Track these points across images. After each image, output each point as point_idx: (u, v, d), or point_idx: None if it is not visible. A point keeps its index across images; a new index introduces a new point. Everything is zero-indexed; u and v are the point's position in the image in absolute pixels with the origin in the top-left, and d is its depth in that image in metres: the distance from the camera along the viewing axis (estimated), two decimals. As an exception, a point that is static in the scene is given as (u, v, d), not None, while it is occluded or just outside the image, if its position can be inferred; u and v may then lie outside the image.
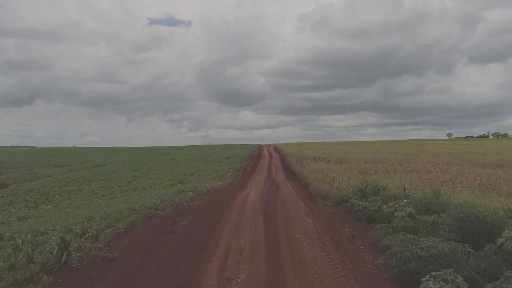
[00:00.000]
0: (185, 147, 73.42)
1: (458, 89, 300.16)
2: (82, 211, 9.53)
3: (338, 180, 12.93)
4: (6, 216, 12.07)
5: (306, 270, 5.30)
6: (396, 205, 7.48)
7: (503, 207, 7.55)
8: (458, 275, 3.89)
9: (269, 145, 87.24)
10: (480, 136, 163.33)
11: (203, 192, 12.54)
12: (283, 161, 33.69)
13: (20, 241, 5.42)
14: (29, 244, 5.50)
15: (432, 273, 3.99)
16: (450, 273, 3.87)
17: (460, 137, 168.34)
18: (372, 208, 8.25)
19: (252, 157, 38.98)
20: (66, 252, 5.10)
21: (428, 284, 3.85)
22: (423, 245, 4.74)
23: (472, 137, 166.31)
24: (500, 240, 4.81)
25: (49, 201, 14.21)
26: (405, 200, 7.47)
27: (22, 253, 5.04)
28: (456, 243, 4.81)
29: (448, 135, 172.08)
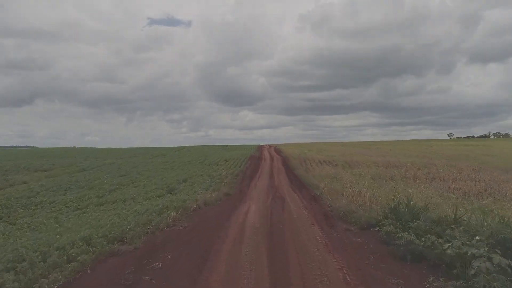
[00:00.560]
0: (183, 148, 71.03)
1: (458, 89, 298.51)
2: (23, 242, 7.14)
3: (360, 194, 10.51)
4: None
5: None
6: (461, 243, 5.12)
7: None
8: None
9: (270, 146, 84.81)
10: (481, 136, 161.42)
11: (192, 209, 10.17)
12: (285, 163, 31.32)
13: None
14: None
15: None
16: None
17: (461, 137, 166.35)
18: (422, 244, 5.87)
19: (252, 159, 36.59)
20: None
21: None
22: None
23: (473, 137, 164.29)
24: None
25: (8, 218, 11.81)
26: (477, 238, 5.09)
27: None
28: None
29: (448, 135, 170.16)
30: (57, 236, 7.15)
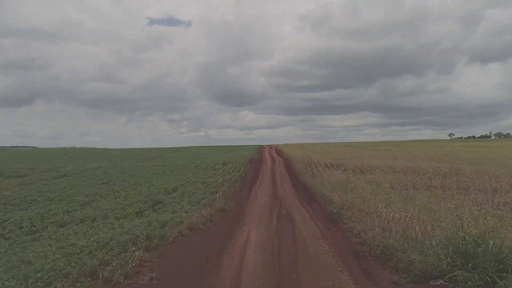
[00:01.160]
0: (180, 149, 68.41)
1: (458, 89, 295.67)
2: None
3: (396, 217, 7.85)
4: None
5: None
6: None
7: None
8: None
9: (270, 147, 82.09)
10: (482, 136, 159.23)
11: (171, 238, 7.57)
12: (288, 167, 28.72)
13: None
14: None
15: None
16: None
17: (462, 137, 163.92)
18: None
19: (252, 162, 33.98)
20: None
21: None
22: None
23: (474, 137, 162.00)
24: None
25: None
26: None
27: None
28: None
29: (449, 135, 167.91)
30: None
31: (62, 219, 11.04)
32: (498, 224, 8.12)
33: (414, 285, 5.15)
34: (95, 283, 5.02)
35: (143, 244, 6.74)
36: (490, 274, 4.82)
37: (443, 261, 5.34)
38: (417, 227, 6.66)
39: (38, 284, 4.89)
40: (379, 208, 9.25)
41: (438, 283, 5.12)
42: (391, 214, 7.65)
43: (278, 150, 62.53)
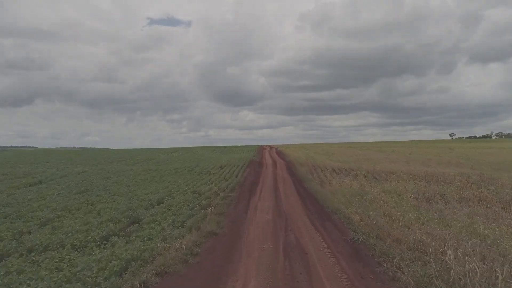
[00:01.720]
0: (177, 149, 65.88)
1: (458, 89, 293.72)
2: None
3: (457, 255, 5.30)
4: None
5: None
6: None
7: None
8: None
9: (271, 147, 79.45)
10: (483, 137, 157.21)
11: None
12: (291, 172, 26.20)
13: None
14: None
15: None
16: None
17: (463, 137, 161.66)
18: None
19: (252, 165, 31.45)
20: None
21: None
22: None
23: (475, 137, 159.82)
24: None
25: None
26: None
27: None
28: None
29: (450, 135, 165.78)
30: None
31: (5, 248, 8.51)
32: None
33: None
34: None
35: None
36: None
37: None
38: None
39: None
40: (401, 224, 6.68)
41: None
42: (467, 265, 5.02)
43: (279, 151, 59.93)
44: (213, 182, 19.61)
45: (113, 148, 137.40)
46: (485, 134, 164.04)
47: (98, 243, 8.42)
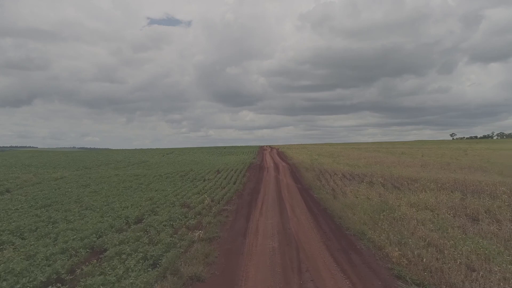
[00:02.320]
0: (174, 150, 63.17)
1: (459, 89, 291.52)
2: None
3: None
4: None
5: None
6: None
7: None
8: None
9: (271, 148, 76.61)
10: (484, 137, 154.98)
11: None
12: (296, 177, 23.51)
13: None
14: None
15: None
16: None
17: (463, 137, 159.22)
18: None
19: (252, 169, 28.77)
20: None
21: None
22: None
23: (476, 137, 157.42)
24: None
25: None
26: None
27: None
28: None
29: (451, 135, 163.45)
30: None
31: None
32: None
33: None
34: None
35: None
36: None
37: None
38: None
39: None
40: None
41: None
42: None
43: (280, 153, 57.17)
44: (207, 191, 16.93)
45: (113, 148, 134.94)
46: (486, 134, 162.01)
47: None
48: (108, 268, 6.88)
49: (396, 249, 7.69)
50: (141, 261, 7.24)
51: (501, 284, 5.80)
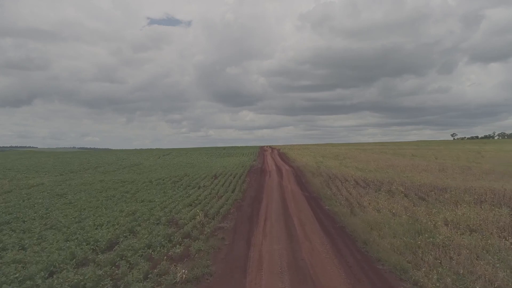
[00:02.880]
0: (171, 151, 60.75)
1: (459, 89, 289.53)
2: None
3: None
4: None
5: None
6: None
7: None
8: None
9: (272, 149, 74.04)
10: (485, 137, 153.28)
11: None
12: (302, 183, 21.14)
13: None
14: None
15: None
16: None
17: (464, 137, 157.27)
18: None
19: (252, 173, 26.39)
20: None
21: None
22: None
23: (477, 137, 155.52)
24: None
25: None
26: None
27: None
28: None
29: (452, 135, 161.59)
30: None
31: None
32: None
33: None
34: None
35: None
36: None
37: None
38: None
39: None
40: None
41: None
42: None
43: (281, 154, 54.73)
44: (201, 203, 14.57)
45: (113, 149, 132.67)
46: (487, 134, 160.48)
47: None
48: None
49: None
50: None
51: None
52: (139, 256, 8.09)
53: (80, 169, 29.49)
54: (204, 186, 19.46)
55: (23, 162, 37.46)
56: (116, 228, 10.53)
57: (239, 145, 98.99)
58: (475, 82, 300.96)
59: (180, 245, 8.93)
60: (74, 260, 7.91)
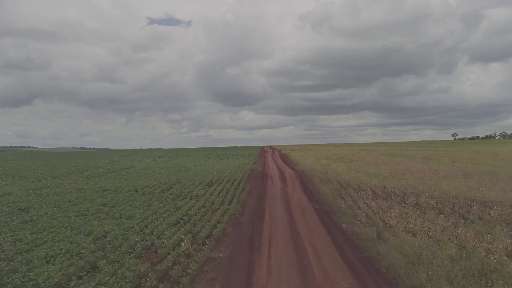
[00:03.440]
0: (167, 152, 58.14)
1: (459, 89, 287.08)
2: None
3: None
4: None
5: None
6: None
7: None
8: None
9: (273, 150, 71.22)
10: (486, 137, 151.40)
11: None
12: (309, 191, 18.54)
13: None
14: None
15: None
16: None
17: (465, 137, 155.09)
18: None
19: (253, 178, 23.79)
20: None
21: None
22: None
23: (478, 137, 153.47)
24: None
25: None
26: None
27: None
28: None
29: (453, 135, 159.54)
30: None
31: None
32: None
33: None
34: None
35: None
36: None
37: None
38: None
39: None
40: None
41: None
42: None
43: (283, 155, 52.04)
44: (191, 219, 11.98)
45: (113, 149, 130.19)
46: (488, 135, 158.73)
47: None
48: None
49: None
50: None
51: None
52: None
53: (63, 173, 26.87)
54: (197, 195, 16.86)
55: (7, 165, 34.82)
56: (74, 262, 7.95)
57: (239, 145, 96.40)
58: (475, 82, 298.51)
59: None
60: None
